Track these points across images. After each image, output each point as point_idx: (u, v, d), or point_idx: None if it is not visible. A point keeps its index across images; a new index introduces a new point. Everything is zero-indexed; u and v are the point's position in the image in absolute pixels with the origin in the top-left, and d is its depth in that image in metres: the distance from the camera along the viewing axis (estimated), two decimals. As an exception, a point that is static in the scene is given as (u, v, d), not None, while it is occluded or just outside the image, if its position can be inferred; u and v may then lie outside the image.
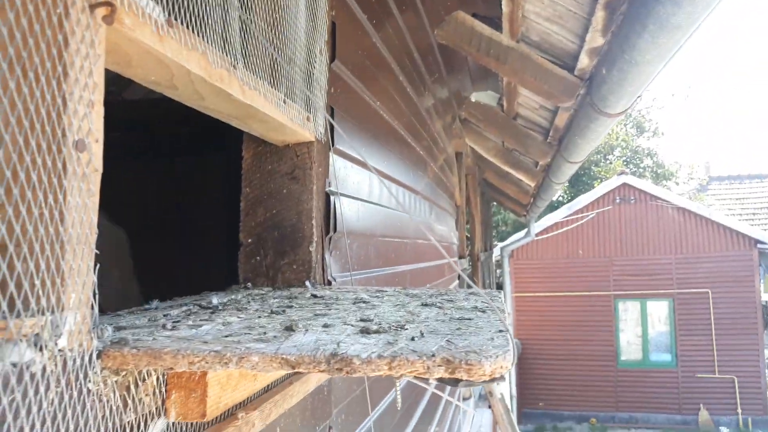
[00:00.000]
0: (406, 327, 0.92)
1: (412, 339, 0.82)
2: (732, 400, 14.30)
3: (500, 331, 0.87)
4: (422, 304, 1.24)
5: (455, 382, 0.75)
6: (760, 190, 21.83)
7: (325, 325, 0.95)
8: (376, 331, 0.88)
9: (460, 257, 6.46)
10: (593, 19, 2.73)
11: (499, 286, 14.40)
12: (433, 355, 0.71)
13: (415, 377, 0.74)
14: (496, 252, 14.56)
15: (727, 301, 14.34)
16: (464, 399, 7.39)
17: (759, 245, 14.26)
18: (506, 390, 10.99)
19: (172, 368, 0.76)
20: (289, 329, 0.90)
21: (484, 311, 1.14)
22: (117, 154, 3.76)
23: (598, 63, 3.08)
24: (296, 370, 0.73)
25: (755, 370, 14.25)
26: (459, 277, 6.37)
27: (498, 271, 16.02)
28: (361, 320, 1.00)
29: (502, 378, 0.72)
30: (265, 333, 0.88)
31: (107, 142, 0.82)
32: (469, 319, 1.03)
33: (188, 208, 3.53)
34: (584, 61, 3.16)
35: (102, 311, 1.14)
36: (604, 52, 2.94)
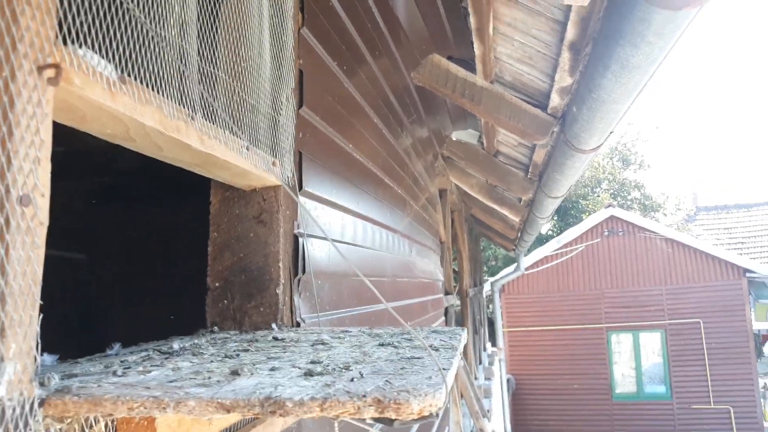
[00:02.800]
0: (351, 368, 0.95)
1: (351, 380, 0.84)
2: (728, 431, 14.18)
3: (444, 369, 0.90)
4: (379, 344, 1.27)
5: (390, 422, 0.77)
6: (747, 219, 22.05)
7: (272, 369, 0.97)
8: (320, 373, 0.90)
9: (447, 293, 6.47)
10: (560, 60, 2.83)
11: (491, 322, 14.36)
12: (365, 396, 0.74)
13: (351, 417, 0.77)
14: (487, 287, 14.57)
15: (719, 331, 14.36)
16: (455, 438, 7.30)
17: (748, 274, 14.35)
18: (499, 427, 10.86)
19: (111, 414, 0.78)
20: (235, 373, 0.92)
21: (437, 349, 1.16)
22: (90, 200, 3.78)
23: (569, 101, 3.16)
24: (231, 413, 0.75)
25: (750, 399, 14.19)
26: (446, 312, 6.37)
27: (489, 306, 16.00)
28: (311, 362, 1.02)
29: (432, 416, 0.74)
30: (209, 378, 0.90)
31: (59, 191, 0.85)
32: (419, 358, 1.05)
33: (171, 252, 3.55)
34: (555, 100, 3.24)
35: (63, 358, 1.16)
36: (573, 91, 3.03)
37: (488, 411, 9.17)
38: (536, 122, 3.44)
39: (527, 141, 4.04)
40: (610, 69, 2.38)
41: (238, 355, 1.15)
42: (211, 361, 1.08)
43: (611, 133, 3.25)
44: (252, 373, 0.93)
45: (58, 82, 0.83)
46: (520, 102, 3.46)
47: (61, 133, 0.95)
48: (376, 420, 0.80)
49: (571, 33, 2.51)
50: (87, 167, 3.68)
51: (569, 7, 2.42)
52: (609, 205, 15.96)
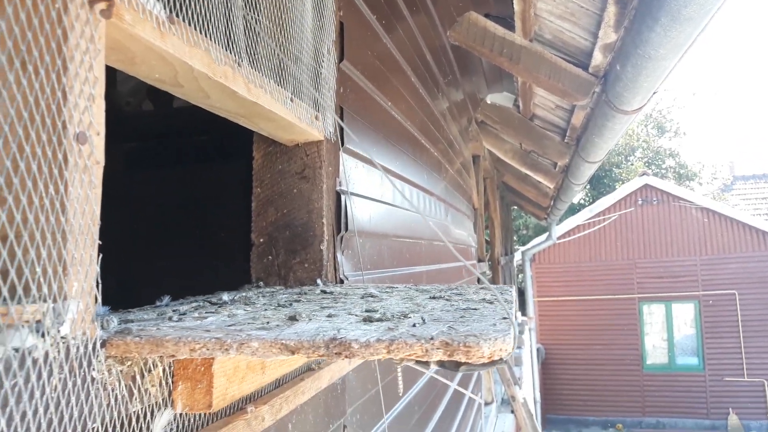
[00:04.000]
0: (409, 316, 0.92)
1: (414, 326, 0.82)
2: (762, 404, 14.01)
3: (504, 318, 0.87)
4: (430, 297, 1.24)
5: (456, 366, 0.75)
6: (786, 188, 21.44)
7: (329, 315, 0.95)
8: (379, 320, 0.88)
9: (479, 261, 6.43)
10: (605, 15, 2.72)
11: (522, 291, 14.30)
12: (432, 339, 0.71)
13: (415, 361, 0.74)
14: (518, 256, 14.47)
15: (754, 303, 14.09)
16: (486, 404, 7.34)
17: (785, 244, 14.01)
18: (530, 395, 10.89)
19: (173, 355, 0.76)
20: (293, 319, 0.90)
21: (491, 302, 1.13)
22: (135, 164, 3.82)
23: (612, 59, 3.06)
24: (295, 355, 0.73)
25: (785, 372, 13.98)
26: (478, 280, 6.34)
27: (520, 275, 15.92)
28: (366, 311, 1.00)
29: (501, 361, 0.71)
30: (268, 323, 0.88)
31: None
32: (475, 309, 1.02)
33: (208, 215, 3.56)
34: (598, 58, 3.14)
35: (114, 308, 1.15)
36: (617, 48, 2.92)
37: (519, 378, 9.18)
38: (577, 82, 3.34)
39: (567, 102, 3.94)
40: (659, 22, 2.28)
41: (290, 304, 1.13)
42: (265, 309, 1.06)
43: (654, 93, 3.15)
44: (310, 319, 0.91)
45: (110, 14, 0.80)
46: (560, 61, 3.35)
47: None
48: (442, 364, 0.78)
49: (618, -16, 2.41)
50: (117, 133, 3.70)
51: (618, -44, 2.31)
52: (643, 174, 15.64)
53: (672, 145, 23.66)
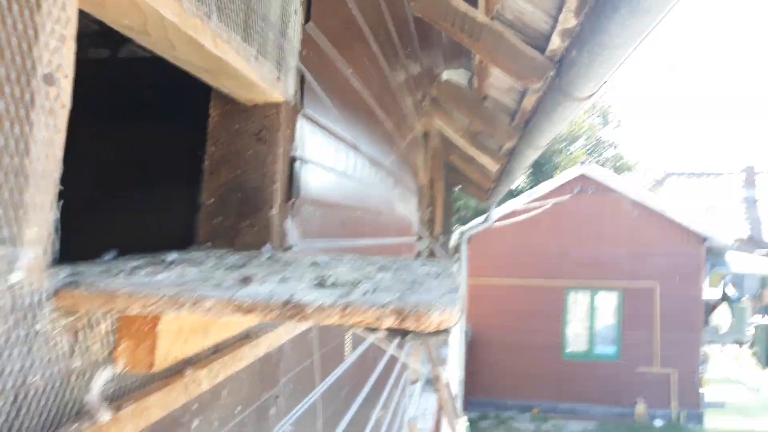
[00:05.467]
0: (360, 284, 0.95)
1: (365, 293, 0.84)
2: (668, 394, 14.82)
3: (450, 291, 0.90)
4: (378, 268, 1.27)
5: (403, 335, 0.77)
6: (714, 187, 22.49)
7: (282, 279, 0.96)
8: (332, 285, 0.90)
9: (420, 238, 6.52)
10: (567, -1, 2.77)
11: (455, 270, 14.47)
12: (384, 306, 0.74)
13: (365, 328, 0.77)
14: (456, 236, 14.68)
15: (673, 297, 14.80)
16: (411, 383, 7.50)
17: (706, 242, 14.72)
18: (454, 376, 11.17)
19: (124, 310, 0.76)
20: (246, 280, 0.91)
21: (437, 276, 1.17)
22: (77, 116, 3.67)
23: (569, 45, 3.12)
24: (248, 315, 0.74)
25: (693, 365, 14.78)
26: (416, 257, 6.43)
27: (455, 255, 16.17)
28: (317, 277, 1.02)
29: (447, 332, 0.75)
30: (221, 283, 0.89)
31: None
32: (422, 283, 1.06)
33: (149, 174, 3.47)
34: (556, 42, 3.19)
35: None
36: (576, 34, 2.98)
37: (444, 359, 9.42)
38: (533, 64, 3.39)
39: (521, 84, 4.00)
40: (618, 11, 2.34)
41: (241, 266, 1.14)
42: (216, 270, 1.06)
43: (605, 82, 3.24)
44: (263, 282, 0.92)
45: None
46: (519, 42, 3.40)
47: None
48: (391, 332, 0.80)
49: (583, -25, 2.46)
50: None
51: (586, -53, 2.35)
52: (583, 162, 16.04)
53: (613, 137, 24.39)
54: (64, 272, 0.84)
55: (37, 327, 0.76)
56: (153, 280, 0.90)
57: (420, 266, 1.41)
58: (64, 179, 0.80)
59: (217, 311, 0.76)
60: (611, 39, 2.51)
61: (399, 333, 0.79)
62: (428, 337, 0.78)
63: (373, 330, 0.81)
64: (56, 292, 0.79)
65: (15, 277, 0.71)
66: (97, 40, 3.48)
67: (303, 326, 1.67)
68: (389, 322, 0.74)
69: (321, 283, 0.92)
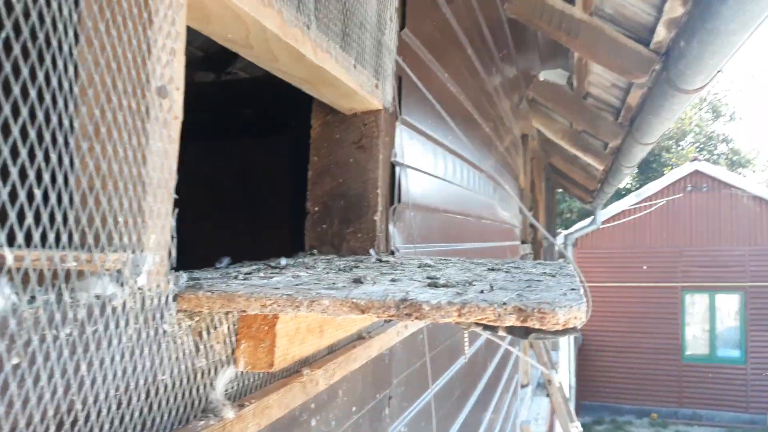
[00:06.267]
0: (473, 284, 0.92)
1: (481, 292, 0.81)
2: (806, 401, 13.65)
3: (572, 289, 0.85)
4: (489, 269, 1.23)
5: (525, 333, 0.74)
6: None
7: (393, 280, 0.95)
8: (444, 285, 0.88)
9: (523, 242, 6.37)
10: (673, -11, 2.63)
11: (562, 274, 14.08)
12: (505, 304, 0.71)
13: (485, 327, 0.74)
14: (560, 240, 14.27)
15: (803, 297, 13.65)
16: (522, 386, 7.32)
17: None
18: (565, 380, 10.82)
19: (244, 310, 0.77)
20: (358, 281, 0.91)
21: (553, 275, 1.12)
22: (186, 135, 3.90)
23: (676, 35, 2.96)
24: (365, 314, 0.73)
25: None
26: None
27: (561, 259, 15.71)
28: (428, 278, 1.00)
29: (575, 330, 0.70)
30: (334, 284, 0.89)
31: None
32: (539, 281, 1.01)
33: (255, 188, 3.60)
34: (661, 34, 3.04)
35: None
36: (683, 24, 2.82)
37: (555, 363, 9.13)
38: (637, 59, 3.24)
39: (626, 79, 3.83)
40: (732, -6, 2.20)
41: (351, 269, 1.14)
42: (327, 273, 1.07)
43: (719, 71, 3.04)
44: (375, 282, 0.91)
45: (193, -30, 0.81)
46: (620, 36, 3.26)
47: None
48: (511, 331, 0.77)
49: (690, -44, 2.32)
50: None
51: (691, -73, 2.22)
52: (694, 159, 15.18)
53: (726, 130, 22.88)
54: (184, 277, 0.87)
55: (165, 327, 0.79)
56: (269, 282, 0.91)
57: (533, 266, 1.36)
58: (177, 193, 0.83)
59: (333, 310, 0.76)
60: (725, 25, 2.35)
61: (522, 331, 0.75)
62: (553, 335, 0.73)
63: (493, 329, 0.78)
64: (179, 295, 0.81)
65: (141, 280, 0.74)
66: (202, 65, 3.67)
67: (415, 327, 1.66)
68: (511, 320, 0.70)
69: (434, 283, 0.90)
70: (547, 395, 7.47)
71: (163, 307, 0.78)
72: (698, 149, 21.62)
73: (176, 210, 0.82)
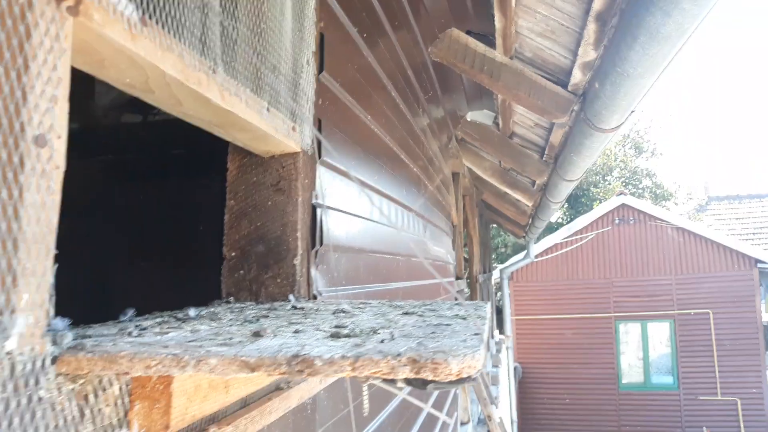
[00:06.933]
0: (378, 332, 0.89)
1: (382, 341, 0.79)
2: (735, 423, 14.13)
3: (475, 334, 0.84)
4: (403, 313, 1.21)
5: (423, 384, 0.72)
6: (759, 209, 21.83)
7: (296, 331, 0.92)
8: (347, 336, 0.85)
9: (458, 278, 6.41)
10: (585, 33, 2.74)
11: (499, 310, 14.30)
12: (399, 355, 0.68)
13: (382, 379, 0.71)
14: (496, 274, 14.49)
15: (728, 322, 14.25)
16: (462, 424, 7.29)
17: (759, 264, 14.22)
18: (506, 414, 10.84)
19: (127, 372, 0.72)
20: (257, 335, 0.87)
21: (465, 318, 1.11)
22: (110, 176, 3.78)
23: (591, 77, 3.08)
24: (255, 373, 0.70)
25: (758, 391, 14.11)
26: (456, 299, 6.32)
27: (498, 293, 15.93)
28: (335, 327, 0.97)
29: (471, 379, 0.69)
30: (231, 338, 0.85)
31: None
32: (447, 325, 1.00)
33: (182, 230, 3.51)
34: (577, 76, 3.16)
35: (88, 322, 1.11)
36: (596, 67, 2.94)
37: (495, 398, 9.16)
38: (556, 100, 3.35)
39: (546, 119, 3.96)
40: (638, 40, 2.30)
41: (257, 320, 1.10)
42: (231, 325, 1.03)
43: (632, 111, 3.17)
44: (275, 335, 0.88)
45: (77, 12, 0.77)
46: (540, 78, 3.37)
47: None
48: (409, 382, 0.75)
49: (598, 2, 2.43)
50: (96, 145, 3.67)
51: (598, -24, 2.33)
52: (620, 193, 15.80)
53: (649, 165, 23.99)
54: (69, 336, 0.82)
55: (41, 393, 0.73)
56: (160, 339, 0.86)
57: (448, 308, 1.34)
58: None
59: (221, 369, 0.72)
60: (633, 68, 2.46)
61: (419, 382, 0.73)
62: (450, 385, 0.72)
63: (392, 381, 0.76)
64: (59, 357, 0.76)
65: (10, 344, 0.68)
66: (129, 107, 3.58)
67: (306, 392, 1.61)
68: (405, 372, 0.68)
69: (337, 333, 0.88)
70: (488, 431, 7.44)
71: (39, 371, 0.73)
72: (624, 183, 22.54)
73: (56, 265, 0.76)
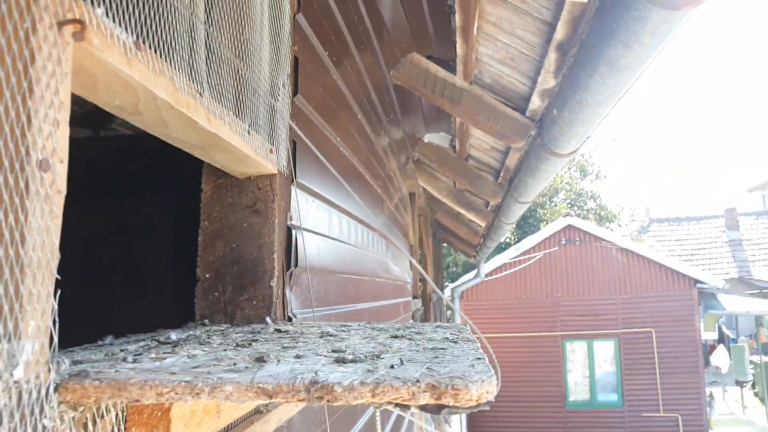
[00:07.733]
0: (382, 356, 0.90)
1: (392, 367, 0.80)
2: (677, 438, 14.52)
3: (478, 358, 0.86)
4: (392, 336, 1.22)
5: (438, 410, 0.73)
6: (697, 231, 22.73)
7: (297, 356, 0.91)
8: (353, 361, 0.85)
9: (414, 297, 6.44)
10: (545, 61, 2.83)
11: (450, 328, 14.33)
12: (418, 381, 0.69)
13: (397, 405, 0.72)
14: (447, 293, 14.59)
15: (669, 340, 14.68)
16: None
17: (698, 285, 14.75)
18: (458, 433, 10.88)
19: (138, 400, 0.71)
20: (260, 360, 0.86)
21: (456, 342, 1.12)
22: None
23: (549, 104, 3.17)
24: (273, 399, 0.69)
25: (697, 407, 14.54)
26: (412, 317, 6.34)
27: (449, 312, 16.05)
28: (333, 351, 0.97)
29: (487, 404, 0.70)
30: (235, 364, 0.84)
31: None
32: (443, 349, 1.01)
33: (134, 250, 3.42)
34: (536, 103, 3.25)
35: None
36: (555, 94, 3.03)
37: (448, 418, 9.18)
38: (514, 125, 3.44)
39: (504, 144, 4.05)
40: (598, 70, 2.39)
41: (249, 344, 1.08)
42: (224, 350, 1.01)
43: (588, 138, 3.28)
44: (279, 360, 0.87)
45: (81, 38, 0.76)
46: (498, 104, 3.46)
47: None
48: (423, 408, 0.75)
49: (560, 33, 2.52)
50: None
51: (560, 6, 2.42)
52: (567, 214, 16.19)
53: (593, 188, 24.70)
54: (66, 362, 0.79)
55: (45, 422, 0.71)
56: (162, 366, 0.84)
57: (433, 331, 1.36)
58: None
59: (238, 396, 0.71)
60: (592, 97, 2.55)
61: (434, 407, 0.74)
62: (465, 410, 0.73)
63: (406, 407, 0.77)
64: (61, 385, 0.74)
65: (18, 372, 0.66)
66: (78, 121, 3.48)
67: (284, 416, 1.60)
68: (425, 399, 0.69)
69: (341, 359, 0.87)
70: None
71: (43, 400, 0.71)
72: (570, 205, 23.13)
73: (58, 291, 0.75)
